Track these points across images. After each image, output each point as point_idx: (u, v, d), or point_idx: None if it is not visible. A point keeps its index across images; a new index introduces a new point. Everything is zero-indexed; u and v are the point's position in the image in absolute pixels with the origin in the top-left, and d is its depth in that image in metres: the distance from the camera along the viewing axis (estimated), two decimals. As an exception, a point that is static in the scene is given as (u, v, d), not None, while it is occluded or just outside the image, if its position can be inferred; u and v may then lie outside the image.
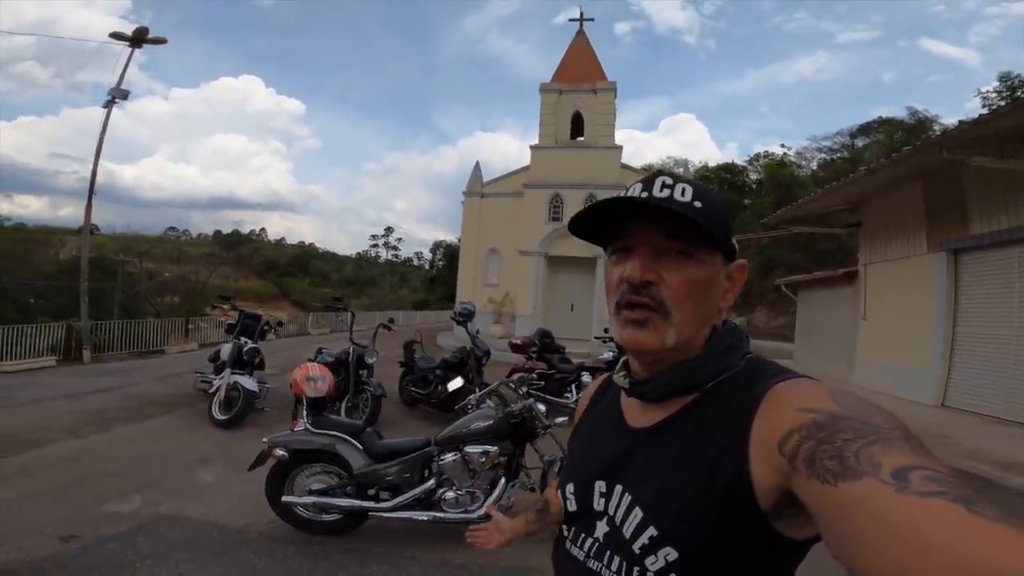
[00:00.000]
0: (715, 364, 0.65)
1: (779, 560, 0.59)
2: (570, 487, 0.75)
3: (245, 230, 72.95)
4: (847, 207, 10.39)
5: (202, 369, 7.43)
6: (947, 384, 7.62)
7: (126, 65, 10.84)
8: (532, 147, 17.11)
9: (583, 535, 0.71)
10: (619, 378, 0.73)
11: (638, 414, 0.70)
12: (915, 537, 0.38)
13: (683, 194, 0.63)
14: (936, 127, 27.25)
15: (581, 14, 18.72)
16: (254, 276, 56.35)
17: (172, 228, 64.19)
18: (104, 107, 10.82)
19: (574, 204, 16.35)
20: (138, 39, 10.74)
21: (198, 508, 3.51)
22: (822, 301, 12.31)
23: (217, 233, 68.72)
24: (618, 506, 0.66)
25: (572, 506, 0.74)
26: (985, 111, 6.01)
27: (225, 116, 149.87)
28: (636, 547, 0.62)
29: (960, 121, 6.31)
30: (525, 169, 17.42)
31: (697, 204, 0.63)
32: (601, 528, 0.69)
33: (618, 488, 0.67)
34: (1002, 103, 21.57)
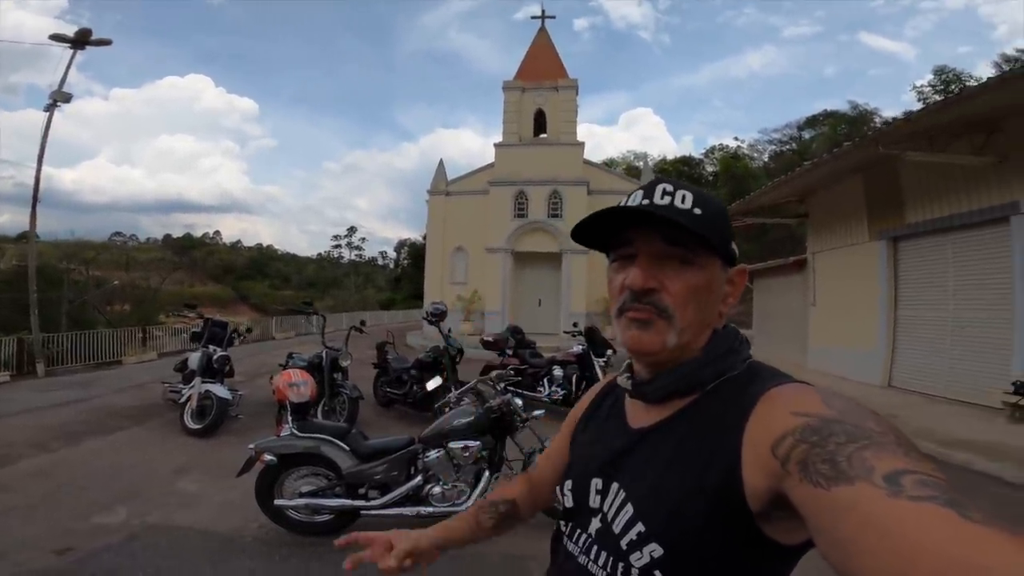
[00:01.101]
0: (716, 366, 0.66)
1: (767, 565, 0.59)
2: (568, 484, 0.77)
3: (197, 233, 70.04)
4: (795, 198, 10.97)
5: (168, 379, 7.29)
6: (892, 365, 8.20)
7: (67, 68, 10.40)
8: (496, 145, 17.25)
9: (578, 531, 0.73)
10: (623, 379, 0.74)
11: (640, 415, 0.71)
12: (907, 541, 0.38)
13: (683, 201, 0.65)
14: (876, 119, 28.64)
15: (543, 12, 19.00)
16: (210, 281, 54.35)
17: (118, 233, 60.91)
18: (45, 110, 10.35)
19: (538, 200, 16.61)
20: (81, 41, 10.29)
21: (186, 517, 3.53)
22: (775, 288, 12.95)
23: (167, 237, 65.87)
24: (612, 503, 0.67)
25: (568, 502, 0.76)
26: (920, 105, 6.53)
27: (172, 116, 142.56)
28: (623, 543, 0.63)
29: (894, 118, 6.83)
30: (489, 167, 17.56)
31: (697, 211, 0.64)
32: (594, 524, 0.70)
33: (614, 486, 0.68)
34: (936, 97, 22.90)
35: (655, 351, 0.66)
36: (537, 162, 16.59)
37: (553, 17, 21.30)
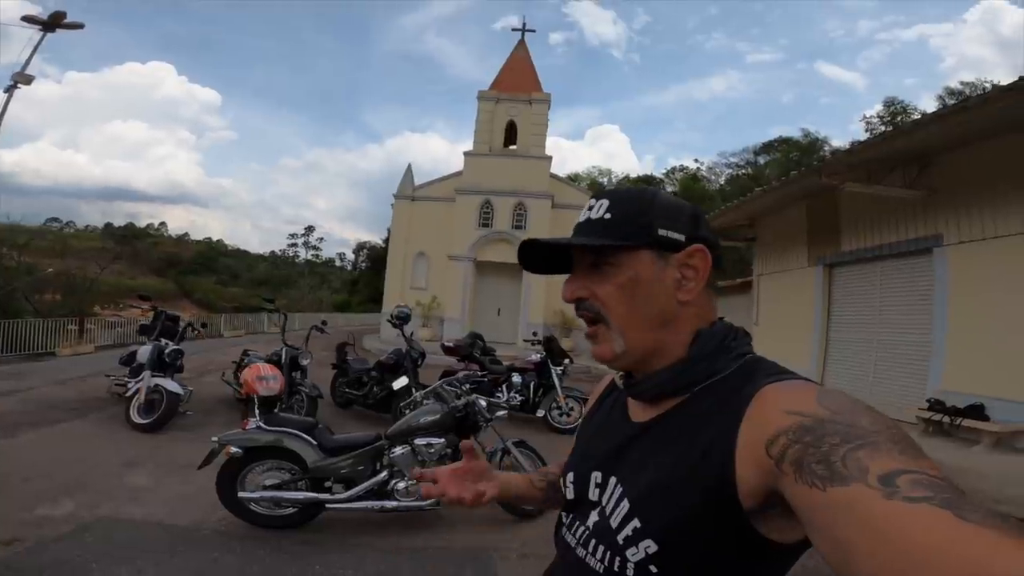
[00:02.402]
0: (705, 365, 0.66)
1: (761, 564, 0.60)
2: (570, 476, 0.78)
3: (142, 223, 66.79)
4: (746, 222, 11.56)
5: (112, 372, 7.00)
6: (822, 382, 8.78)
7: (34, 50, 10.00)
8: (466, 153, 17.38)
9: (577, 523, 0.74)
10: (618, 379, 0.77)
11: (640, 410, 0.72)
12: (904, 543, 0.38)
13: (599, 210, 0.69)
14: (826, 148, 29.56)
15: (524, 25, 19.31)
16: (151, 273, 51.62)
17: (54, 219, 57.26)
18: (4, 92, 9.89)
19: (504, 211, 16.82)
20: (53, 24, 9.87)
21: (138, 509, 3.46)
22: (724, 308, 13.00)
23: (108, 226, 62.22)
24: (610, 497, 0.68)
25: (570, 494, 0.77)
26: (867, 135, 7.04)
27: (127, 102, 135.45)
28: (620, 538, 0.64)
29: (837, 149, 7.36)
30: (457, 174, 17.65)
31: (607, 216, 0.68)
32: (593, 518, 0.70)
33: (612, 480, 0.69)
34: (883, 128, 24.15)
35: (608, 358, 0.70)
36: (505, 173, 16.81)
37: (533, 31, 21.77)
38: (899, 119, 24.35)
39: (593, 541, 0.69)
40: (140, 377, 5.79)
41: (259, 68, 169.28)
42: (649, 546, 0.61)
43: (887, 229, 7.64)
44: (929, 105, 28.06)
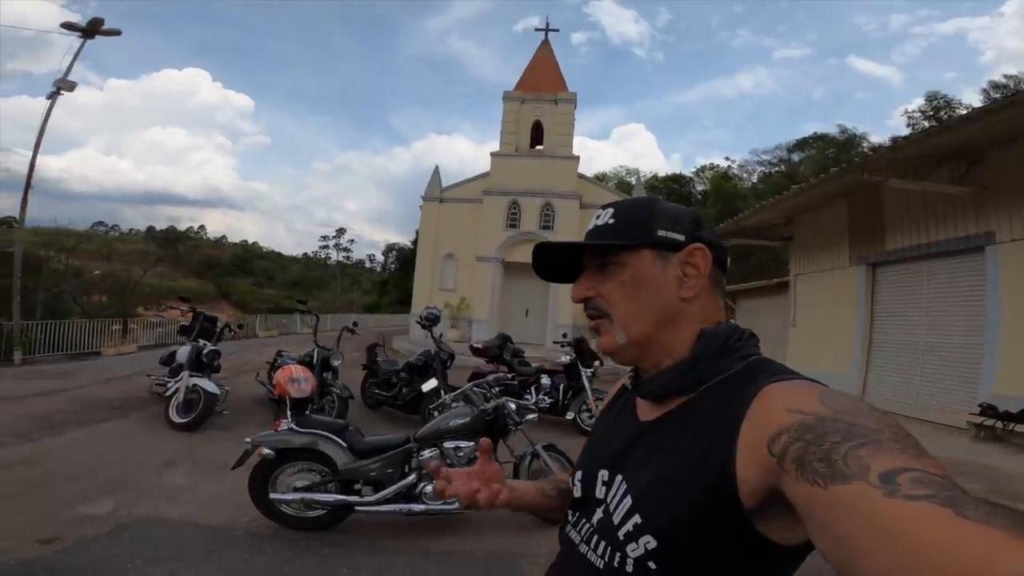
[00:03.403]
0: (706, 366, 0.67)
1: (763, 566, 0.60)
2: (578, 474, 0.79)
3: (182, 227, 69.32)
4: (782, 221, 11.26)
5: (153, 371, 7.23)
6: (864, 387, 8.45)
7: (75, 56, 10.36)
8: (492, 154, 17.40)
9: (583, 520, 0.75)
10: (627, 378, 0.81)
11: (647, 409, 0.74)
12: (906, 541, 0.39)
13: (604, 218, 0.75)
14: (864, 144, 28.65)
15: (547, 24, 19.27)
16: (192, 275, 53.52)
17: (100, 223, 59.88)
18: (48, 98, 10.30)
19: (531, 211, 16.77)
20: (91, 30, 10.25)
21: (175, 509, 3.53)
22: (758, 309, 13.25)
23: (151, 229, 64.99)
24: (615, 494, 0.69)
25: (577, 492, 0.78)
26: (909, 130, 6.79)
27: (166, 109, 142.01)
28: (621, 534, 0.65)
29: (880, 144, 7.09)
30: (484, 175, 17.67)
31: (611, 221, 0.74)
32: (597, 515, 0.71)
33: (618, 478, 0.70)
34: (926, 123, 23.18)
35: (611, 349, 0.74)
36: (532, 173, 16.75)
37: (557, 30, 21.64)
38: (942, 114, 23.50)
39: (595, 537, 0.70)
40: (179, 377, 5.96)
41: (288, 73, 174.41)
42: (648, 542, 0.62)
43: (934, 227, 7.32)
44: (972, 99, 26.73)
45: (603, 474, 0.74)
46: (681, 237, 0.71)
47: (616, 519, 0.67)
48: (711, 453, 0.59)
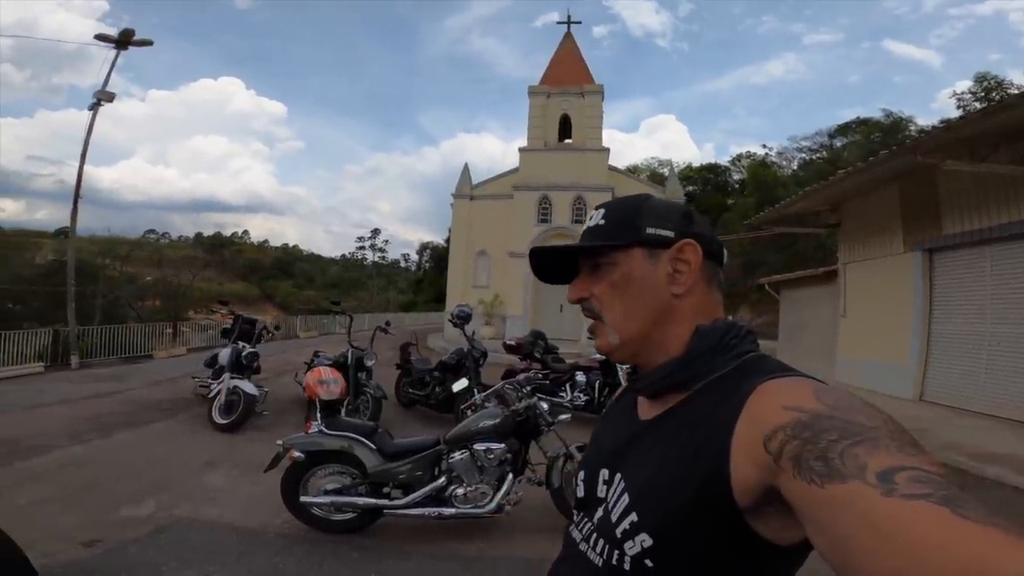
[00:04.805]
0: (701, 363, 0.67)
1: (759, 566, 0.59)
2: (581, 474, 0.80)
3: (227, 232, 72.02)
4: (827, 208, 10.72)
5: (198, 373, 7.47)
6: (924, 379, 7.94)
7: (111, 68, 10.78)
8: (521, 149, 17.30)
9: (585, 519, 0.75)
10: (622, 374, 0.84)
11: (648, 407, 0.74)
12: (903, 540, 0.38)
13: (595, 218, 0.75)
14: (911, 127, 27.83)
15: (568, 17, 19.01)
16: (237, 279, 55.64)
17: (151, 231, 62.91)
18: (89, 109, 10.75)
19: (562, 206, 16.58)
20: (124, 41, 10.66)
21: (212, 511, 3.60)
22: (804, 300, 12.66)
23: (198, 235, 67.71)
24: (614, 493, 0.69)
25: (580, 492, 0.79)
26: (958, 112, 6.34)
27: (205, 118, 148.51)
28: (619, 531, 0.65)
29: (932, 126, 6.64)
30: (513, 171, 17.61)
31: (602, 222, 0.74)
32: (598, 514, 0.72)
33: (618, 476, 0.70)
34: (977, 104, 22.09)
35: (606, 350, 0.74)
36: (562, 167, 16.58)
37: (579, 23, 21.45)
38: (993, 94, 22.62)
39: (595, 536, 0.70)
40: (221, 379, 6.13)
41: (317, 79, 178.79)
42: (645, 540, 0.62)
43: (995, 209, 6.81)
44: (1021, 80, 25.60)
45: (604, 473, 0.74)
46: (670, 233, 0.71)
47: (614, 517, 0.67)
48: (705, 450, 0.59)
